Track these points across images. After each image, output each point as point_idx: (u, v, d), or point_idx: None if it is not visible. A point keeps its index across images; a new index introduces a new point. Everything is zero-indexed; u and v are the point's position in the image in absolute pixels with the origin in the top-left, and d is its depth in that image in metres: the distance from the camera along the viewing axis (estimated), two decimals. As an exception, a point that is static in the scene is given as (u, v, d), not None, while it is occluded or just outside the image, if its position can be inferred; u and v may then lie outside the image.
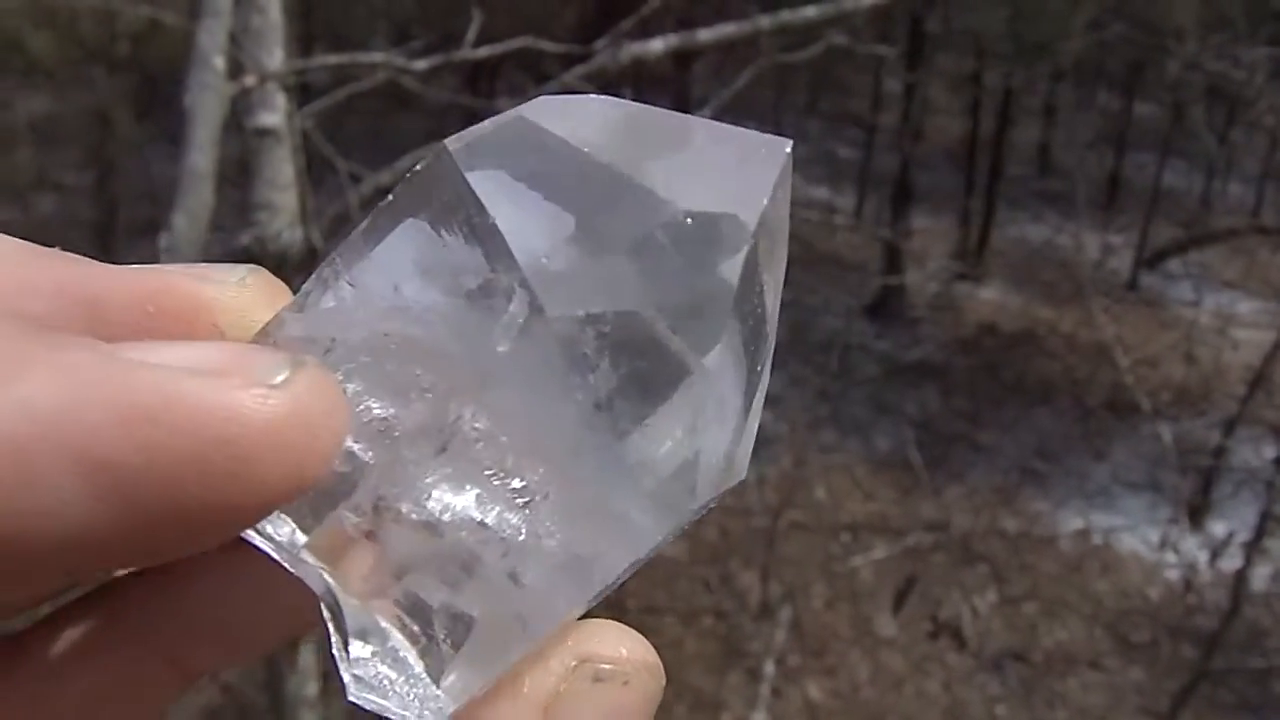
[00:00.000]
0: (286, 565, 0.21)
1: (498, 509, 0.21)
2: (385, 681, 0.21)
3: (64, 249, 0.21)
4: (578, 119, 0.22)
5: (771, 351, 0.24)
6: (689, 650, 4.58)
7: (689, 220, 0.22)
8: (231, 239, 2.01)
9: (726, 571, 5.12)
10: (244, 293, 0.21)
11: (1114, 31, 5.85)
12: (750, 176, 0.22)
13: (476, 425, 0.21)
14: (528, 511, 0.21)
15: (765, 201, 0.22)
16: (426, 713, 0.22)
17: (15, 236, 0.21)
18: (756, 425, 0.25)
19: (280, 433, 0.16)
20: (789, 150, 0.24)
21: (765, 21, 2.39)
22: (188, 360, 0.17)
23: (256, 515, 0.17)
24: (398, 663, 0.22)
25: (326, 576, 0.21)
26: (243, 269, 0.22)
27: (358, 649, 0.21)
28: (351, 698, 0.21)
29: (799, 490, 5.30)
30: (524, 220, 0.21)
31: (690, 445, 0.22)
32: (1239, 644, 4.50)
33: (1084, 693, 4.61)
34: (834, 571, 5.14)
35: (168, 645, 0.24)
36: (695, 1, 5.90)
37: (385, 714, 0.21)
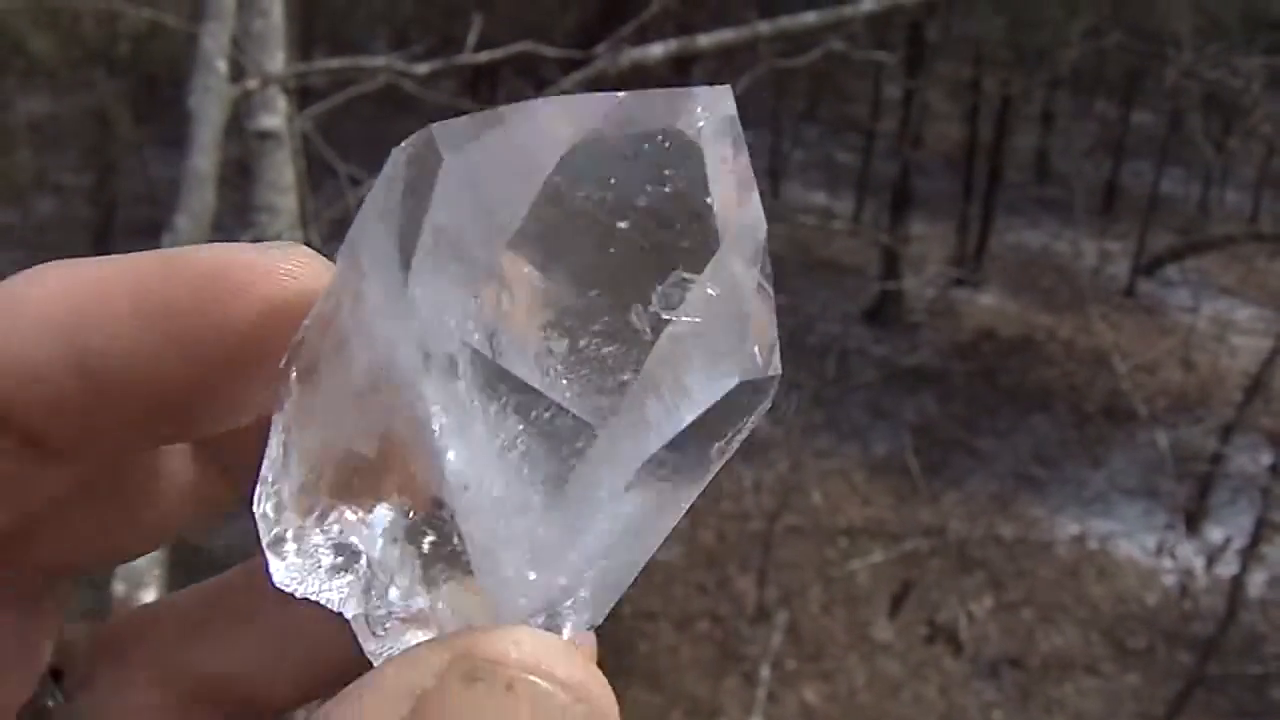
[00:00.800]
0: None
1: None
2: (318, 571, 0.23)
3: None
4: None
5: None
6: (685, 655, 4.58)
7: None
8: (232, 240, 2.01)
9: (723, 576, 5.12)
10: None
11: (1112, 40, 5.87)
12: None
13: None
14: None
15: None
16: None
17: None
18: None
19: (261, 274, 0.22)
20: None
21: (764, 27, 2.40)
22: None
23: (254, 334, 0.22)
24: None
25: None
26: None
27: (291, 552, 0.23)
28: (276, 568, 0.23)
29: (796, 495, 5.30)
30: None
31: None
32: (1235, 650, 4.51)
33: (1080, 698, 4.61)
34: (830, 576, 5.14)
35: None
36: (694, 7, 5.91)
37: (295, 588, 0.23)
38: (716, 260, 0.22)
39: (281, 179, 1.94)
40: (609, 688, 0.21)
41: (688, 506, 0.24)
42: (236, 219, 2.17)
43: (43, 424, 0.22)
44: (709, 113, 0.22)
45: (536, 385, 0.21)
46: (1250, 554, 4.21)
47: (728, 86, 0.22)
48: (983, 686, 4.63)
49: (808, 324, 7.31)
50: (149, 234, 2.06)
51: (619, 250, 0.21)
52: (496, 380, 0.21)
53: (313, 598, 0.23)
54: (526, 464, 0.21)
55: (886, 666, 4.69)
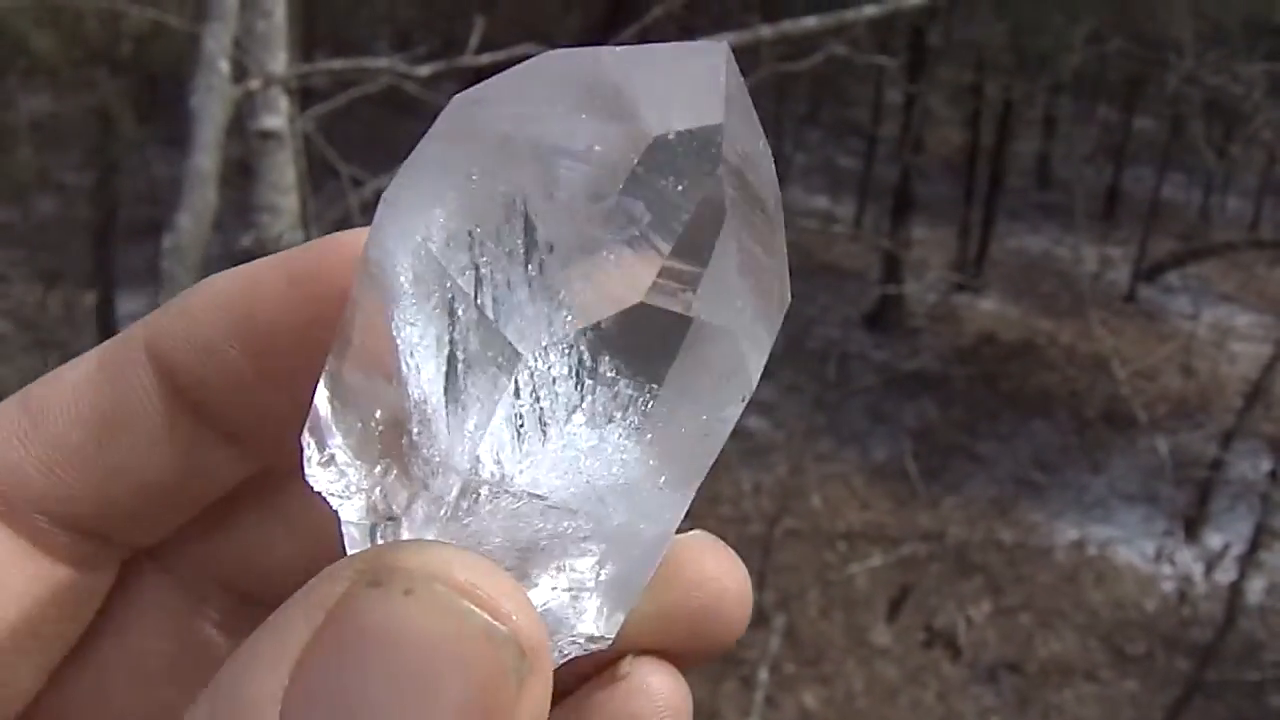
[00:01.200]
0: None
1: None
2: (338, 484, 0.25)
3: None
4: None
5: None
6: (684, 657, 4.57)
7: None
8: (232, 240, 2.01)
9: (722, 579, 5.11)
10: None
11: (1113, 45, 5.87)
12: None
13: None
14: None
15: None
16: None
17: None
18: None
19: (313, 257, 0.26)
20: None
21: (766, 31, 2.40)
22: None
23: (323, 295, 0.26)
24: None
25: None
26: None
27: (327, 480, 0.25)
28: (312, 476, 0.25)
29: (795, 498, 5.30)
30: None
31: None
32: (1234, 656, 4.50)
33: (1078, 704, 4.61)
34: (829, 580, 5.14)
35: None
36: (697, 11, 5.92)
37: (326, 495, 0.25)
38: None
39: (283, 179, 1.94)
40: (531, 610, 0.20)
41: (693, 480, 0.23)
42: (238, 219, 2.17)
43: (218, 399, 0.25)
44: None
45: (532, 347, 0.20)
46: (1249, 560, 4.21)
47: (726, 44, 0.23)
48: (981, 691, 4.63)
49: (808, 328, 7.32)
50: (151, 233, 2.06)
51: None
52: (487, 325, 0.21)
53: (322, 493, 0.25)
54: (504, 403, 0.21)
55: (884, 671, 4.69)
